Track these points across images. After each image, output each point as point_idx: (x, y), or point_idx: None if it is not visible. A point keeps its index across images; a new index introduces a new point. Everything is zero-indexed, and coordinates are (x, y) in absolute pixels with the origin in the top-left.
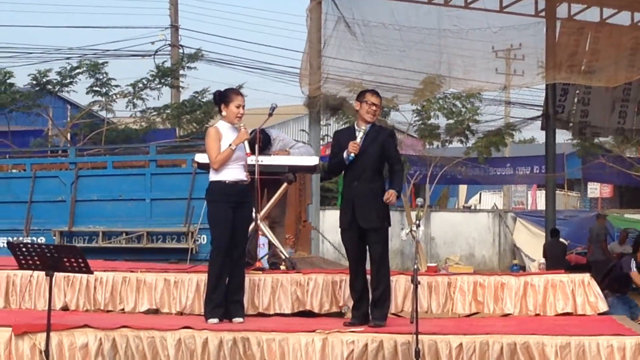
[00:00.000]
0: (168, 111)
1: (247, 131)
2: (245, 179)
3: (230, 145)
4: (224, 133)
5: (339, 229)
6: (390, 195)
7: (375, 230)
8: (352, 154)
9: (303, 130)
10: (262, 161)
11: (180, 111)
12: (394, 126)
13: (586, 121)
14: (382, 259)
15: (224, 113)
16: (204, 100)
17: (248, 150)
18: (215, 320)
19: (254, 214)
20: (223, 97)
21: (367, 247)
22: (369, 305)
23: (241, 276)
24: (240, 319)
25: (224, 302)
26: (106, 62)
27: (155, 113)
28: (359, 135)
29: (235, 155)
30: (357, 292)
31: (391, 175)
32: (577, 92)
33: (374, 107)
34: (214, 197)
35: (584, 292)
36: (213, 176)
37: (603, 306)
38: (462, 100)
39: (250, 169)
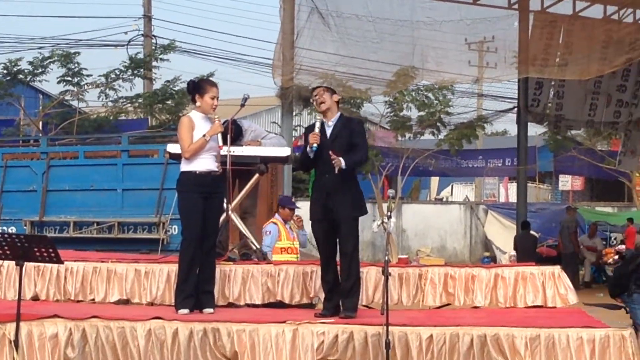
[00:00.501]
0: (140, 100)
1: (222, 123)
2: (217, 169)
3: (204, 135)
4: (197, 123)
5: (310, 221)
6: (336, 159)
7: (348, 221)
8: (315, 145)
9: (274, 123)
10: (233, 152)
11: (152, 100)
12: (367, 118)
13: (561, 114)
14: (353, 252)
15: (198, 103)
16: (176, 89)
17: (221, 143)
18: (186, 310)
19: (225, 205)
20: (197, 88)
21: (338, 239)
22: (340, 296)
23: (212, 267)
24: (211, 310)
25: (195, 292)
26: (78, 52)
27: (127, 102)
28: (317, 125)
29: (207, 145)
30: (329, 284)
31: (351, 150)
32: (553, 84)
33: (318, 100)
34: (184, 187)
35: (554, 285)
36: (184, 166)
37: (573, 298)
38: (434, 92)
39: (221, 160)
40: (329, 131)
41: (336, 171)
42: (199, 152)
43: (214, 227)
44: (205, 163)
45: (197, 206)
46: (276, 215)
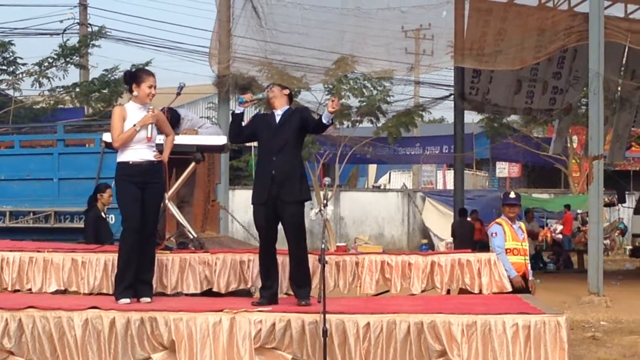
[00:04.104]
0: (77, 89)
1: (155, 115)
2: (153, 158)
3: (134, 125)
4: (131, 113)
5: (252, 206)
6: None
7: (293, 205)
8: (241, 97)
9: (207, 114)
10: None
11: (89, 89)
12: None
13: (488, 99)
14: (299, 238)
15: (135, 93)
16: (114, 78)
17: (150, 135)
18: (127, 300)
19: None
20: (134, 77)
21: (284, 225)
22: (292, 286)
23: (150, 256)
24: (148, 299)
25: (134, 282)
26: (12, 41)
27: (64, 92)
28: (256, 95)
29: (140, 135)
30: (266, 272)
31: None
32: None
33: (268, 93)
34: (121, 177)
35: (489, 272)
36: (119, 157)
37: (508, 286)
38: (372, 82)
39: (158, 149)
40: (277, 118)
41: (330, 109)
42: (129, 142)
43: (153, 216)
44: (138, 153)
45: (134, 196)
46: (502, 215)
